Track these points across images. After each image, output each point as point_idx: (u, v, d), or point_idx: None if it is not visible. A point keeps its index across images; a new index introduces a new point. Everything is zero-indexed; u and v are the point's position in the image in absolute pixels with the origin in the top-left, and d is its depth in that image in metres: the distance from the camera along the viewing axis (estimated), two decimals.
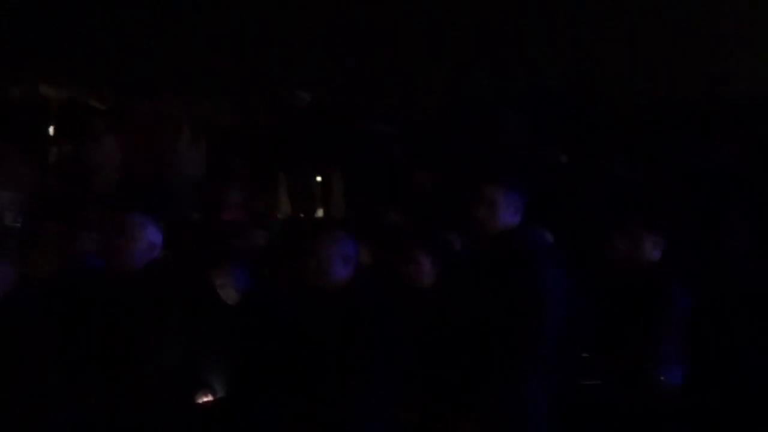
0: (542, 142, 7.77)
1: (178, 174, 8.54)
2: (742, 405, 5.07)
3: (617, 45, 10.09)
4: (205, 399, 4.84)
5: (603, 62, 9.74)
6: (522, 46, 10.39)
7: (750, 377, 5.15)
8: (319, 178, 8.69)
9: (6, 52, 9.92)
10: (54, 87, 9.51)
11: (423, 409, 4.50)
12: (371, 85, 10.20)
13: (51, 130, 9.12)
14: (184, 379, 4.59)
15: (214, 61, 10.68)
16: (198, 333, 4.58)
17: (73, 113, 9.30)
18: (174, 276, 4.84)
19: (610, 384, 4.71)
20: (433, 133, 8.60)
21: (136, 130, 8.73)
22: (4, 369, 4.44)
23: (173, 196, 7.90)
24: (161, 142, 8.59)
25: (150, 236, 4.77)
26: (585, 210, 6.52)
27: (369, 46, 10.50)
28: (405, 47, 10.51)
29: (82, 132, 8.83)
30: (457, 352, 4.24)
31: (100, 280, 4.89)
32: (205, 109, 9.40)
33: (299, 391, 4.31)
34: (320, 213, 8.58)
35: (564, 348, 4.24)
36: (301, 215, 8.52)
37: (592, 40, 10.19)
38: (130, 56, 10.61)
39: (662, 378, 4.60)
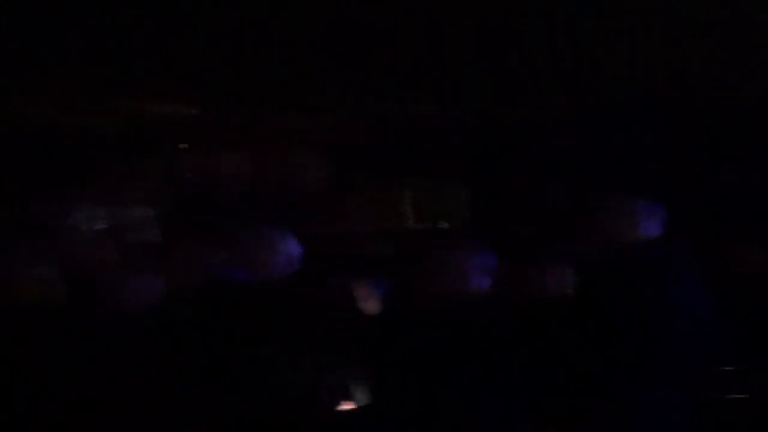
0: (671, 151, 7.71)
1: (305, 187, 8.70)
2: None
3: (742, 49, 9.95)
4: (346, 407, 4.93)
5: (725, 67, 9.61)
6: (642, 52, 10.31)
7: None
8: (442, 190, 8.76)
9: (138, 70, 10.20)
10: (185, 104, 9.75)
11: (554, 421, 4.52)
12: (496, 96, 10.21)
13: (183, 145, 9.36)
14: (326, 388, 4.71)
15: (335, 74, 10.82)
16: (339, 343, 4.69)
17: (203, 129, 9.55)
18: (313, 287, 4.97)
19: (756, 398, 4.67)
20: (564, 143, 8.60)
21: (262, 145, 8.92)
22: (151, 381, 4.60)
23: (299, 209, 8.06)
24: (287, 156, 8.76)
25: (290, 248, 4.91)
26: (717, 220, 6.46)
27: (494, 57, 10.52)
28: (529, 58, 10.50)
29: (213, 147, 9.06)
30: (588, 364, 4.26)
31: (240, 292, 5.04)
32: (330, 123, 9.55)
33: (442, 403, 4.37)
34: (444, 225, 8.64)
35: (703, 361, 4.22)
36: (427, 226, 8.60)
37: (713, 45, 10.06)
38: (257, 73, 10.82)
39: None
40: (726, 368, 4.73)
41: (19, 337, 4.34)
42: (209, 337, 4.81)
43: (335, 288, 5.11)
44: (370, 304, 5.00)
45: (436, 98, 9.43)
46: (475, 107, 9.51)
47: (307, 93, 10.30)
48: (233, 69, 10.88)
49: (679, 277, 4.23)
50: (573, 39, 10.43)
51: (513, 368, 4.35)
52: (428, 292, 4.62)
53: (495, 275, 4.86)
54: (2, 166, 8.00)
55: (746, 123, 8.82)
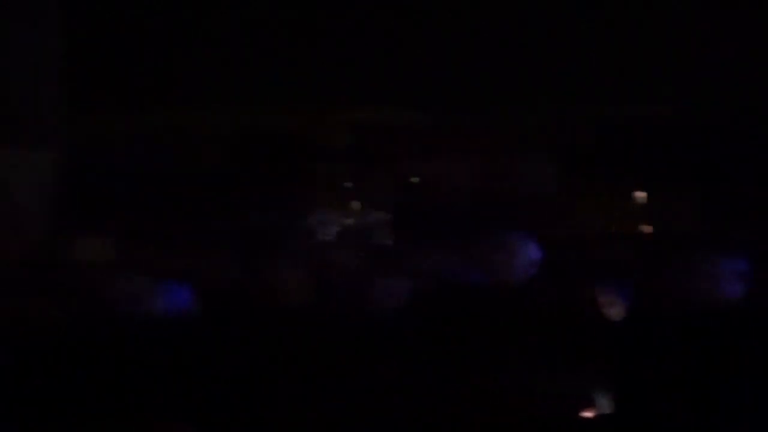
0: None
1: (526, 190, 8.65)
2: None
3: None
4: (588, 414, 4.84)
5: None
6: None
7: None
8: (644, 194, 8.54)
9: (358, 80, 10.38)
10: (416, 112, 9.88)
11: None
12: (732, 97, 9.88)
13: (407, 152, 9.48)
14: (567, 395, 4.62)
15: (564, 77, 10.71)
16: (580, 348, 4.60)
17: (425, 135, 9.64)
18: (553, 291, 4.90)
19: None
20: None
21: (493, 150, 8.93)
22: (389, 381, 4.63)
23: (521, 212, 8.00)
24: (518, 161, 8.74)
25: (530, 252, 4.86)
26: None
27: (731, 57, 10.17)
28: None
29: (435, 153, 9.13)
30: None
31: (477, 296, 5.02)
32: (560, 127, 9.47)
33: (686, 410, 4.24)
34: (679, 228, 8.41)
35: None
36: (663, 229, 8.39)
37: None
38: (484, 79, 10.82)
39: None
40: None
41: (277, 337, 4.46)
42: (445, 341, 4.81)
43: (575, 292, 5.02)
44: (613, 309, 4.89)
45: (668, 99, 9.20)
46: (708, 108, 9.23)
47: (536, 97, 10.24)
48: (459, 76, 10.94)
49: None
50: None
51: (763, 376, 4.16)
52: (673, 297, 4.47)
53: (743, 281, 4.68)
54: (278, 176, 8.29)
55: None
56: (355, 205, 8.12)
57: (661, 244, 7.44)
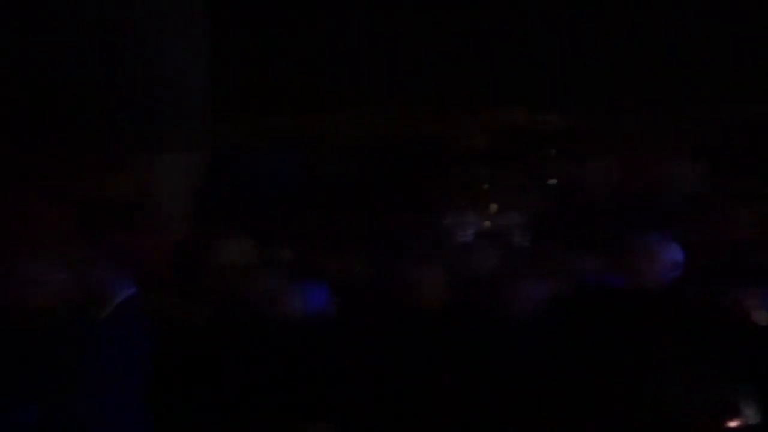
0: None
1: (676, 191, 8.45)
2: None
3: None
4: (734, 424, 4.71)
5: None
6: None
7: None
8: None
9: (496, 82, 10.34)
10: (546, 113, 9.80)
11: None
12: None
13: (552, 152, 9.38)
14: (712, 403, 4.52)
15: (704, 75, 10.46)
16: (726, 355, 4.49)
17: (570, 136, 9.53)
18: (697, 295, 4.80)
19: None
20: None
21: (634, 150, 8.76)
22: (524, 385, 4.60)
23: (670, 214, 7.82)
24: (660, 161, 8.55)
25: (672, 255, 4.76)
26: None
27: None
28: None
29: (580, 153, 9.01)
30: None
31: (619, 298, 4.93)
32: (703, 127, 9.25)
33: None
34: None
35: None
36: None
37: None
38: (618, 78, 10.66)
39: None
40: None
41: (413, 338, 4.47)
42: (584, 345, 4.75)
43: (720, 297, 4.90)
44: (760, 314, 4.74)
45: None
46: None
47: (681, 96, 10.02)
48: (599, 75, 10.79)
49: None
50: None
51: None
52: None
53: None
54: (416, 177, 8.34)
55: None
56: (493, 206, 8.08)
57: None
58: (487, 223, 7.74)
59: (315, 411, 4.35)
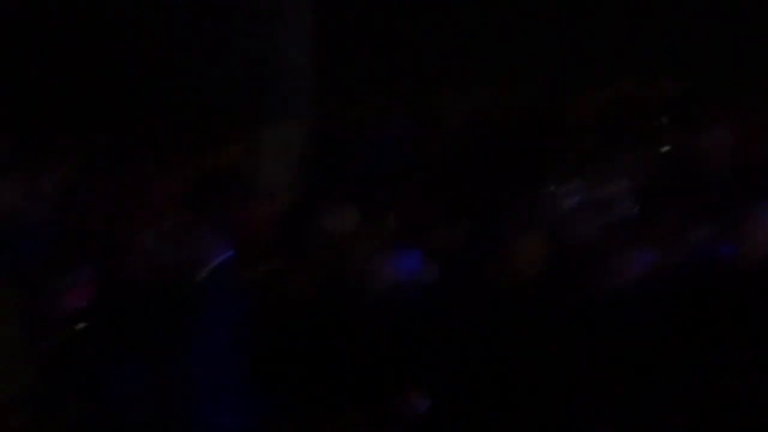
0: None
1: None
2: None
3: None
4: None
5: None
6: None
7: None
8: None
9: (607, 51, 10.17)
10: (668, 79, 9.58)
11: None
12: None
13: (664, 120, 9.19)
14: None
15: None
16: None
17: (686, 103, 9.32)
18: None
19: None
20: None
21: (745, 115, 8.52)
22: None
23: None
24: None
25: None
26: None
27: None
28: None
29: (695, 121, 8.80)
30: None
31: (730, 270, 4.81)
32: None
33: None
34: None
35: None
36: None
37: None
38: (732, 44, 10.37)
39: None
40: None
41: (514, 308, 4.42)
42: (691, 320, 4.63)
43: None
44: None
45: None
46: None
47: None
48: (711, 42, 10.54)
49: None
50: None
51: None
52: None
53: None
54: (525, 147, 8.28)
55: None
56: (602, 175, 7.94)
57: None
58: (596, 192, 7.61)
59: (411, 380, 4.35)
